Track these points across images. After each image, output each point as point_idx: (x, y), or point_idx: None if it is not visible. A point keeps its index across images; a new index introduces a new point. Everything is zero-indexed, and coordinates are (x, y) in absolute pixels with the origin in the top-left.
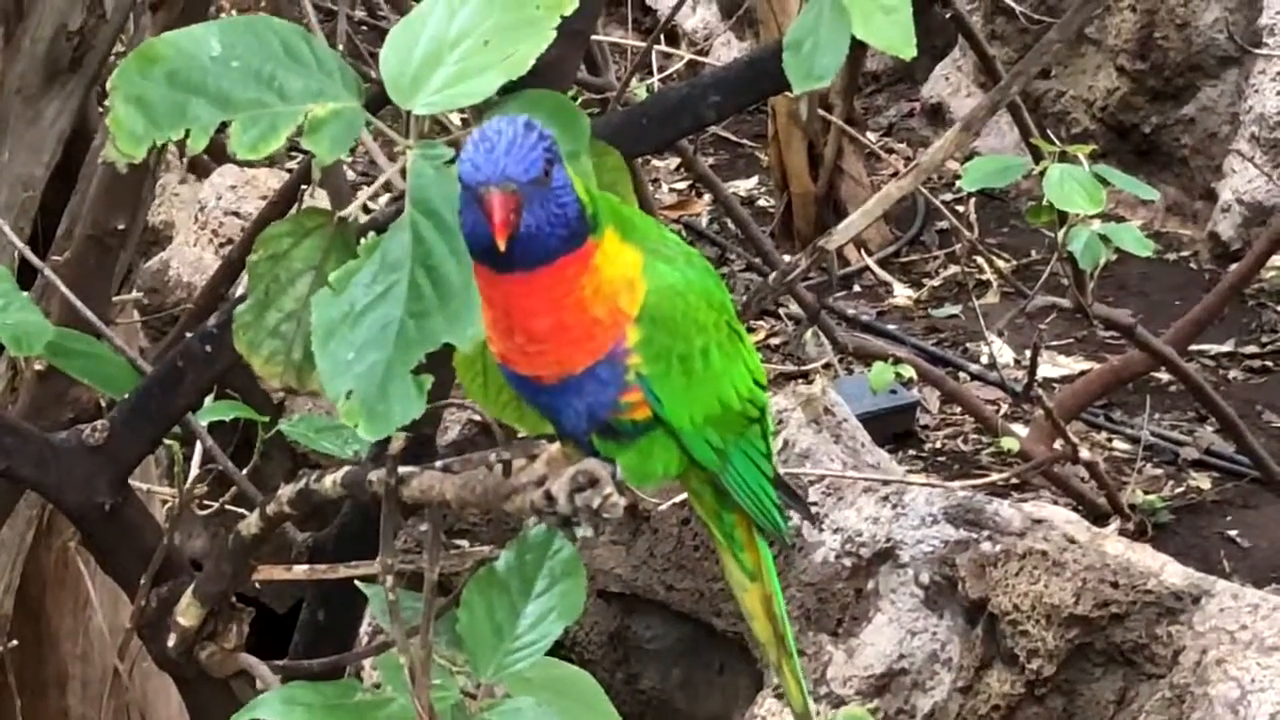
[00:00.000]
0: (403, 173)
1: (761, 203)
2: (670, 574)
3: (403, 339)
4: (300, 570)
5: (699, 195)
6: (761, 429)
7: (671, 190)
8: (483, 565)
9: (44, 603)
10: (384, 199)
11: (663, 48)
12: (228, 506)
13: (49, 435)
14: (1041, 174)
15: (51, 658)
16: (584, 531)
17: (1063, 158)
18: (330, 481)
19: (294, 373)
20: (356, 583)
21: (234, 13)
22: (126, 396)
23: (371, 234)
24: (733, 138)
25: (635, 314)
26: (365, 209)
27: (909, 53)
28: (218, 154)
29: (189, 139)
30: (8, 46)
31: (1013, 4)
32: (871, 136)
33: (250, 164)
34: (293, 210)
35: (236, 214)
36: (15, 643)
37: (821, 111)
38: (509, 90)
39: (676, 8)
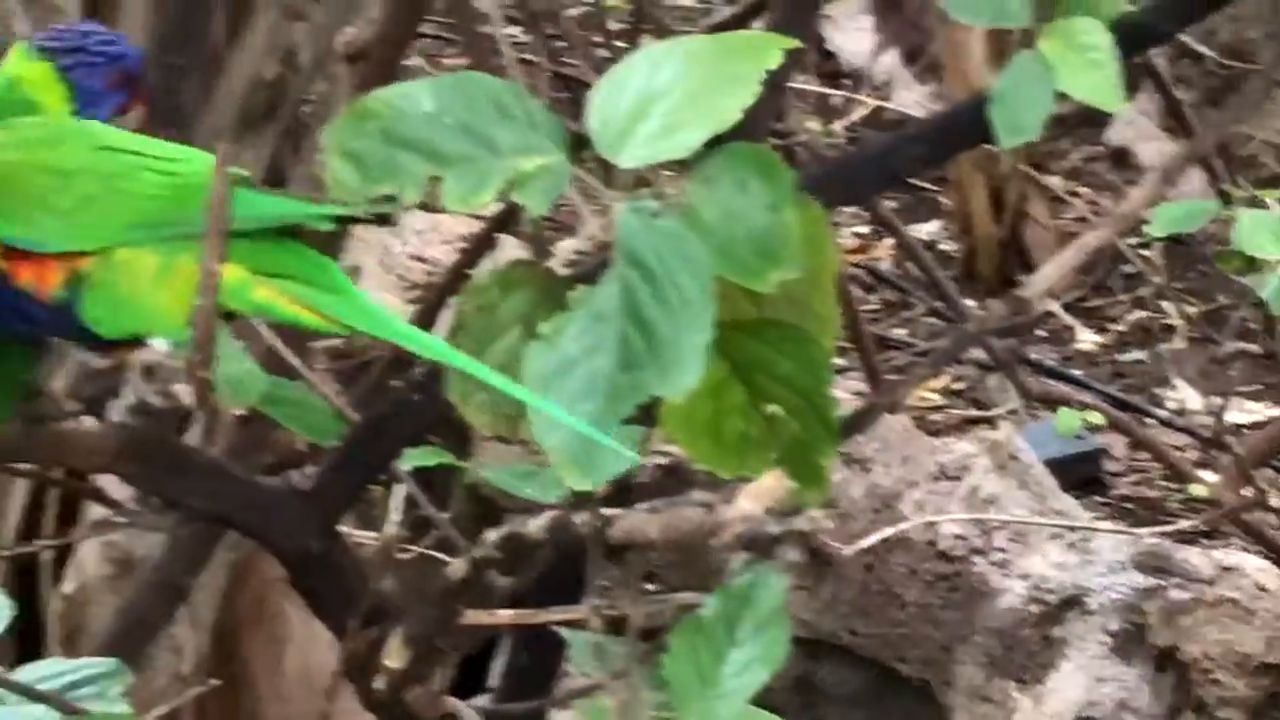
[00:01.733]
0: (606, 225)
1: (943, 247)
2: (854, 619)
3: (613, 390)
4: (506, 615)
5: (880, 239)
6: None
7: (853, 234)
8: (687, 611)
9: (240, 643)
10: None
11: (843, 93)
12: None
13: (260, 481)
14: (1230, 219)
15: (247, 697)
16: (793, 556)
17: (1252, 202)
18: (535, 525)
19: (505, 422)
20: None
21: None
22: (335, 443)
23: (581, 286)
24: (914, 181)
25: None
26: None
27: (1117, 106)
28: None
29: (402, 192)
30: (204, 97)
31: (1199, 49)
32: (1055, 180)
33: (433, 210)
34: (487, 257)
35: (421, 259)
36: (217, 683)
37: (1004, 154)
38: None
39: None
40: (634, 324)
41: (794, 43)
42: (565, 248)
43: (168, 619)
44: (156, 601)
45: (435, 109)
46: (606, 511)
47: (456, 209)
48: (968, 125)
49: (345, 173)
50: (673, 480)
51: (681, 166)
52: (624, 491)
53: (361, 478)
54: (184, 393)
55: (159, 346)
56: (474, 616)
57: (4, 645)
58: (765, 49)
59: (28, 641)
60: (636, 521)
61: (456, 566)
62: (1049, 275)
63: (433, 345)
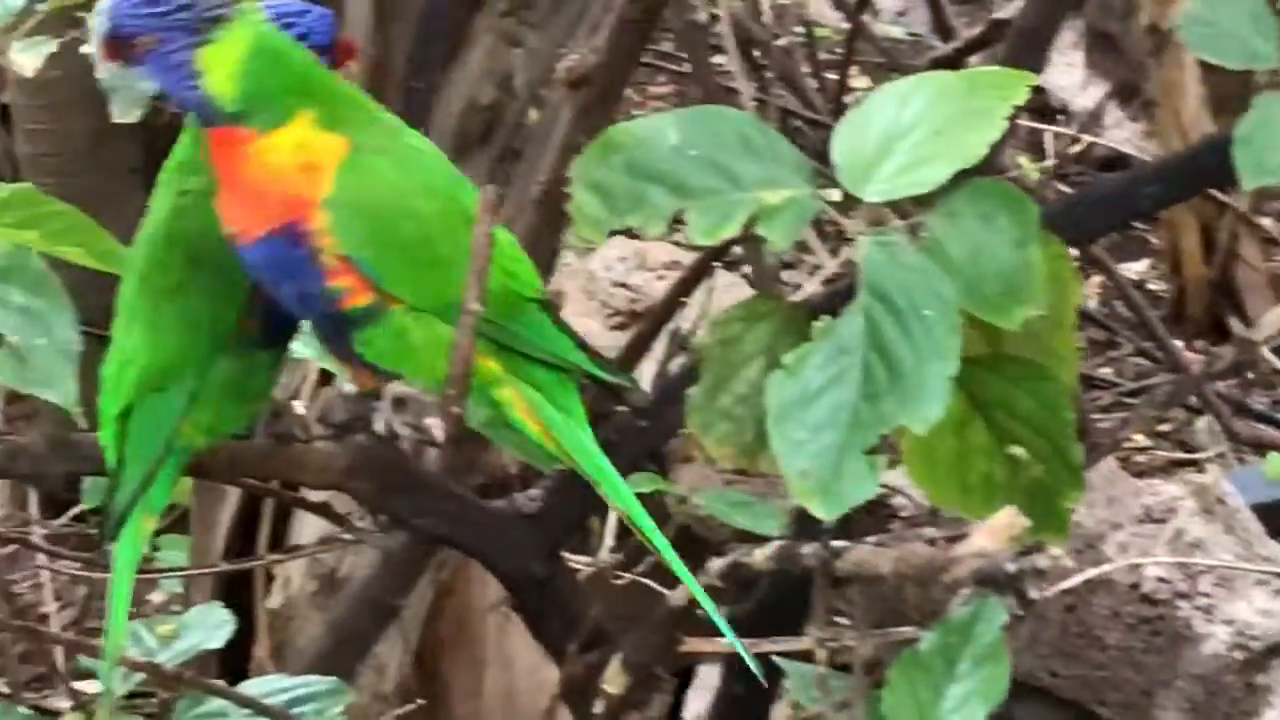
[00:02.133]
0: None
1: (1152, 286)
2: (1054, 660)
3: (856, 421)
4: (725, 643)
5: (1088, 277)
6: (544, 311)
7: None
8: (907, 645)
9: (441, 664)
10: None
11: (1054, 128)
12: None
13: (486, 504)
14: None
15: (444, 718)
16: (1034, 594)
17: None
18: (761, 555)
19: (745, 453)
20: (774, 657)
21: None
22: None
23: (825, 318)
24: None
25: (322, 199)
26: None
27: None
28: None
29: (646, 225)
30: (423, 119)
31: None
32: (1268, 222)
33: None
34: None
35: (625, 285)
36: (420, 703)
37: (1216, 195)
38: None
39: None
40: (878, 355)
41: (1036, 78)
42: (812, 281)
43: (377, 637)
44: (366, 619)
45: (680, 142)
46: (837, 544)
47: (702, 242)
48: (1208, 166)
49: (591, 205)
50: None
51: (917, 202)
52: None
53: (585, 503)
54: (435, 426)
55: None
56: (694, 644)
57: (210, 656)
58: (1010, 85)
59: (233, 653)
60: (865, 554)
61: (678, 594)
62: (1278, 319)
63: (627, 499)
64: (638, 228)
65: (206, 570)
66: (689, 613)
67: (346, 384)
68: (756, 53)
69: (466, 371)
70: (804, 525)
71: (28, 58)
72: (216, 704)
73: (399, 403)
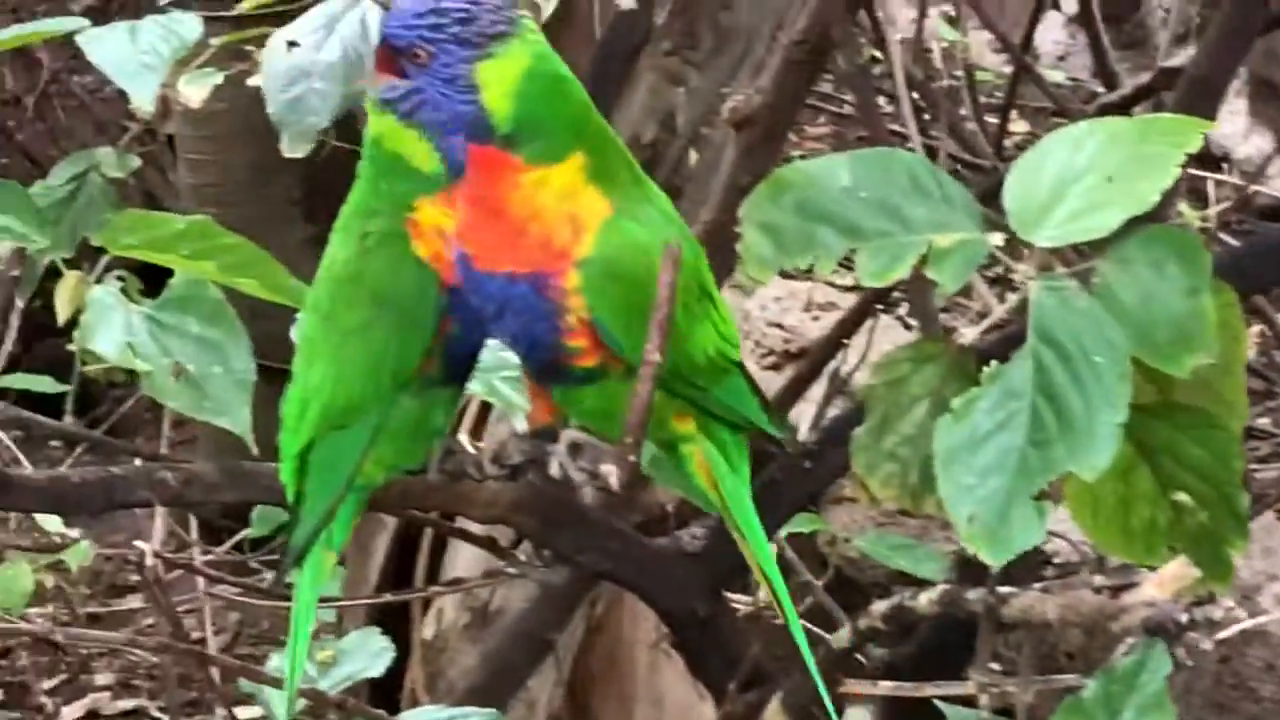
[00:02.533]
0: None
1: None
2: (1207, 712)
3: (1024, 467)
4: (886, 686)
5: (1247, 325)
6: (741, 374)
7: None
8: (1069, 692)
9: (591, 698)
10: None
11: (1216, 176)
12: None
13: (651, 542)
14: None
15: None
16: (1206, 645)
17: None
18: (925, 599)
19: (910, 494)
20: (936, 702)
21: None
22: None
23: (994, 363)
24: None
25: (579, 258)
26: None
27: None
28: None
29: (816, 265)
30: None
31: None
32: None
33: (792, 276)
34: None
35: (780, 325)
36: None
37: None
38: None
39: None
40: (1046, 401)
41: (1212, 125)
42: (980, 325)
43: (530, 671)
44: (521, 652)
45: (852, 183)
46: (1003, 590)
47: (872, 284)
48: None
49: (761, 244)
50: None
51: (1085, 248)
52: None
53: None
54: (611, 472)
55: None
56: (853, 686)
57: (361, 682)
58: (1183, 132)
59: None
60: (1032, 601)
61: (840, 636)
62: None
63: (768, 561)
64: (807, 268)
65: (363, 601)
66: (849, 655)
67: (518, 423)
68: (916, 94)
69: (644, 422)
70: (966, 570)
71: (194, 90)
72: None
73: (575, 447)
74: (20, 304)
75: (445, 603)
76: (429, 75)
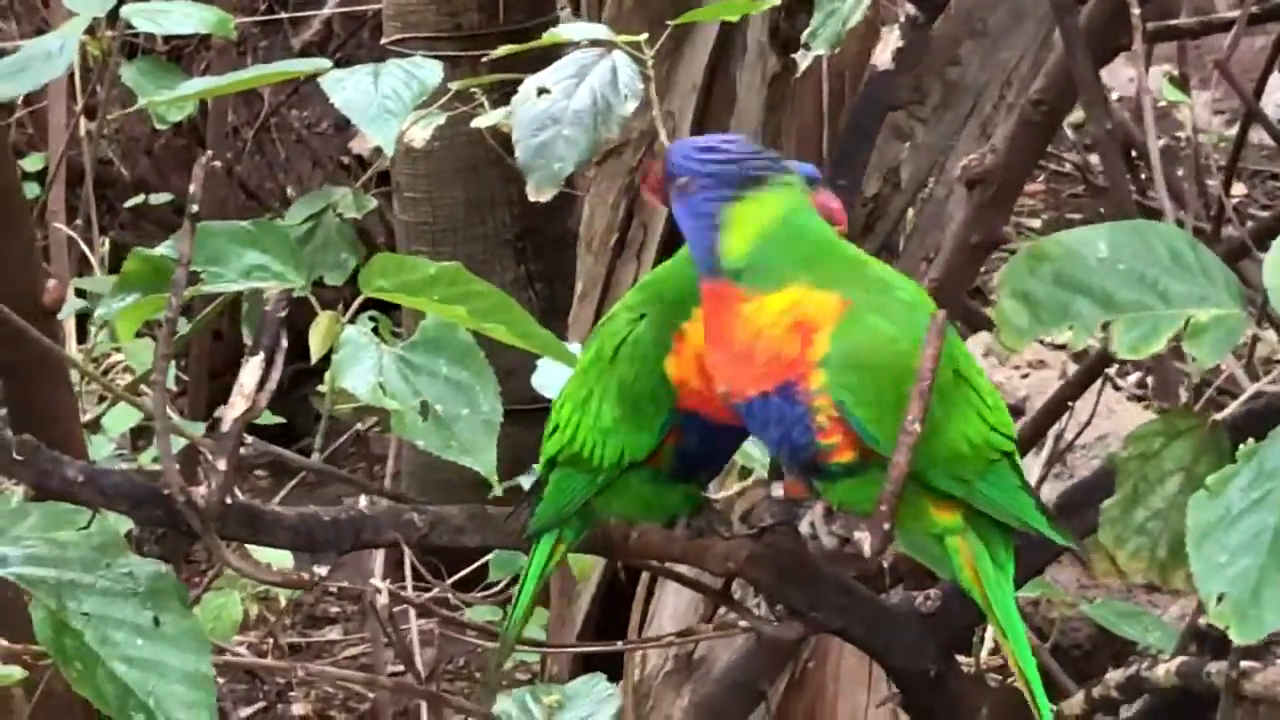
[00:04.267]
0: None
1: None
2: None
3: (1277, 547)
4: None
5: None
6: (1011, 466)
7: None
8: None
9: None
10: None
11: None
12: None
13: (880, 599)
14: None
15: None
16: None
17: None
18: (1164, 671)
19: (1158, 569)
20: None
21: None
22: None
23: (1250, 440)
24: None
25: (819, 357)
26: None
27: None
28: None
29: (1071, 336)
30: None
31: None
32: None
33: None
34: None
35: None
36: None
37: None
38: None
39: None
40: None
41: None
42: (1238, 401)
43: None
44: (734, 703)
45: (1109, 254)
46: (1244, 664)
47: (1127, 356)
48: None
49: (1017, 313)
50: None
51: None
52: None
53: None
54: (864, 540)
55: None
56: None
57: None
58: None
59: None
60: (1278, 677)
61: (1073, 702)
62: None
63: (1027, 659)
64: (1063, 339)
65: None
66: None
67: (775, 488)
68: (1133, 152)
69: (899, 492)
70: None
71: (419, 130)
72: None
73: (829, 512)
74: (285, 343)
75: (650, 650)
76: (685, 206)
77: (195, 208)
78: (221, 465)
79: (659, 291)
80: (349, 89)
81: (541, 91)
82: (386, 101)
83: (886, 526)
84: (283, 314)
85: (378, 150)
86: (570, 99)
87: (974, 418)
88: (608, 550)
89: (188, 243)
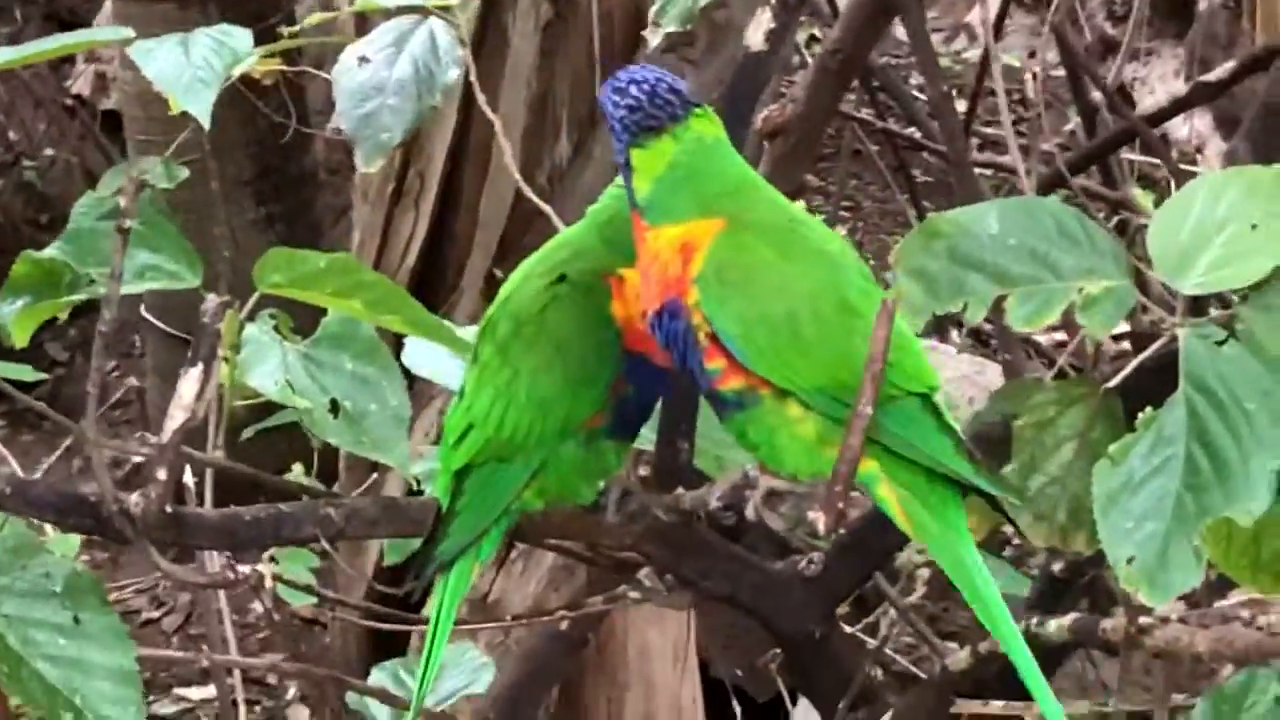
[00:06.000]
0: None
1: None
2: None
3: (1180, 511)
4: (997, 705)
5: None
6: (927, 407)
7: None
8: (1177, 712)
9: (583, 690)
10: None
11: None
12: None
13: (768, 566)
14: None
15: None
16: None
17: None
18: (1057, 626)
19: (1058, 533)
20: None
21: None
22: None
23: (1149, 409)
24: None
25: (695, 275)
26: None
27: None
28: None
29: (966, 311)
30: (579, 154)
31: None
32: None
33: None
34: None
35: None
36: None
37: None
38: None
39: None
40: (1201, 447)
41: None
42: (1127, 367)
43: (566, 667)
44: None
45: (1000, 231)
46: (1145, 620)
47: (1021, 329)
48: None
49: (913, 291)
50: None
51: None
52: None
53: (867, 566)
54: (817, 519)
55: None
56: (964, 706)
57: None
58: None
59: None
60: (1178, 632)
61: (959, 658)
62: None
63: (1009, 630)
64: (959, 313)
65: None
66: (966, 676)
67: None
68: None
69: (853, 472)
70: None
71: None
72: None
73: (772, 494)
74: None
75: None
76: (614, 141)
77: (130, 223)
78: (161, 475)
79: (576, 251)
80: (159, 60)
81: (362, 61)
82: (199, 71)
83: (840, 505)
84: (219, 325)
85: (99, 90)
86: (392, 68)
87: (861, 348)
88: (520, 534)
89: (119, 257)
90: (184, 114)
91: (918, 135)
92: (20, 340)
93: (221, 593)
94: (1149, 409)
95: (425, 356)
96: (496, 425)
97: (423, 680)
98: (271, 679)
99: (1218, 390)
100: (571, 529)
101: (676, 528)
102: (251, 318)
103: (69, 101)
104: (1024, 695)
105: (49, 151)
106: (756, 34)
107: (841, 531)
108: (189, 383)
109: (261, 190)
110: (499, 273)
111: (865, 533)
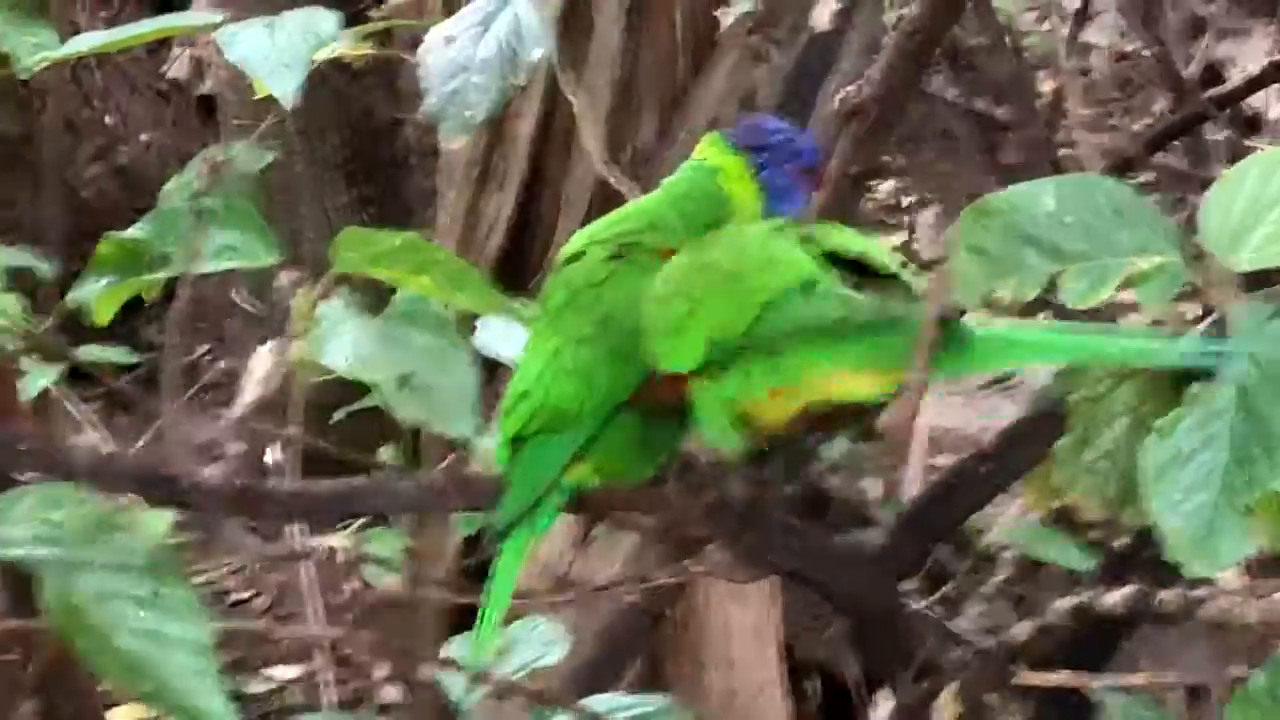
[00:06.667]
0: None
1: None
2: None
3: (1228, 483)
4: (1059, 677)
5: None
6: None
7: None
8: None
9: (665, 664)
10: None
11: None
12: None
13: (833, 541)
14: None
15: None
16: None
17: None
18: (1114, 599)
19: (1109, 506)
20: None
21: None
22: (909, 506)
23: (1195, 383)
24: None
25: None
26: None
27: None
28: None
29: (1022, 288)
30: (662, 136)
31: None
32: None
33: None
34: None
35: None
36: None
37: None
38: None
39: None
40: (1249, 420)
41: None
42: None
43: (642, 645)
44: (632, 628)
45: (1056, 208)
46: (1197, 593)
47: (1076, 306)
48: None
49: (970, 266)
50: None
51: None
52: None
53: (929, 541)
54: (870, 486)
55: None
56: (1026, 676)
57: None
58: None
59: None
60: (1232, 604)
61: (1020, 629)
62: None
63: None
64: (1013, 291)
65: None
66: (1027, 647)
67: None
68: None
69: (908, 439)
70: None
71: None
72: (565, 717)
73: (834, 467)
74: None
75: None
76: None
77: (207, 202)
78: (233, 449)
79: (648, 222)
80: (245, 43)
81: (448, 40)
82: (285, 55)
83: (896, 477)
84: (291, 300)
85: (195, 75)
86: (477, 47)
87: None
88: (582, 507)
89: (200, 238)
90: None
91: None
92: (102, 319)
93: (309, 571)
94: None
95: (497, 336)
96: (544, 394)
97: (477, 649)
98: (361, 658)
99: (1266, 364)
100: (634, 502)
101: (741, 502)
102: (327, 295)
103: (165, 86)
104: (1088, 666)
105: (145, 136)
106: (823, 15)
107: (905, 505)
108: (262, 359)
109: (354, 173)
110: None
111: (928, 507)
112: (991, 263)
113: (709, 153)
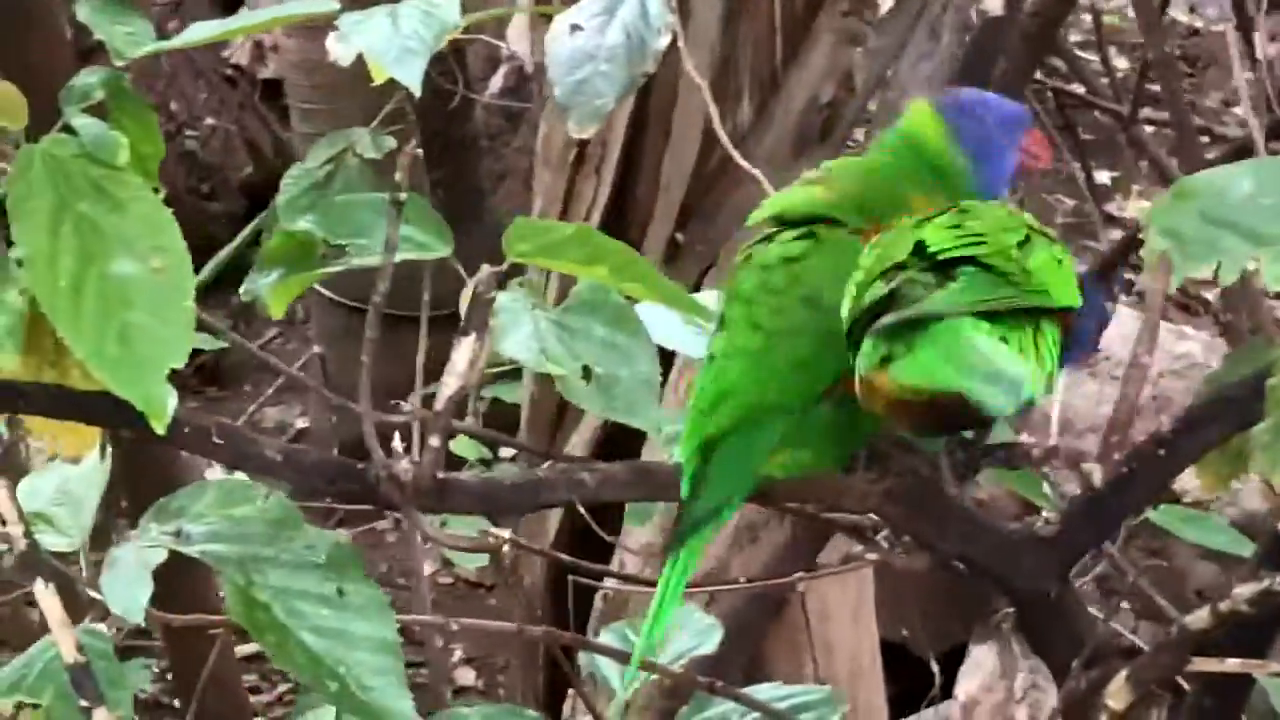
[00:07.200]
0: None
1: None
2: None
3: None
4: (1234, 663)
5: None
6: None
7: None
8: None
9: (762, 648)
10: None
11: None
12: None
13: (1001, 525)
14: None
15: None
16: None
17: None
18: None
19: None
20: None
21: None
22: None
23: None
24: None
25: None
26: None
27: None
28: None
29: (1220, 271)
30: (759, 118)
31: None
32: None
33: None
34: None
35: None
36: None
37: None
38: None
39: None
40: None
41: None
42: None
43: (766, 628)
44: (756, 612)
45: (1254, 191)
46: None
47: (1276, 288)
48: None
49: (1166, 249)
50: None
51: None
52: None
53: (1106, 527)
54: (1093, 470)
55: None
56: (1201, 664)
57: None
58: None
59: None
60: None
61: (1198, 616)
62: None
63: None
64: (1212, 275)
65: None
66: (1206, 636)
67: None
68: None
69: (1128, 424)
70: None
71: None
72: (724, 707)
73: (1051, 451)
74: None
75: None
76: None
77: (403, 196)
78: (434, 442)
79: (856, 203)
80: (369, 31)
81: (574, 28)
82: (408, 42)
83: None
84: (491, 295)
85: (256, 60)
86: (604, 35)
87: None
88: (761, 498)
89: (394, 229)
90: (346, 82)
91: (1085, 93)
92: (277, 312)
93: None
94: None
95: (656, 323)
96: (751, 390)
97: (649, 638)
98: (438, 640)
99: None
100: (813, 491)
101: (918, 487)
102: (501, 286)
103: (229, 71)
104: (1256, 653)
105: (209, 121)
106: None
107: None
108: (463, 351)
109: (426, 155)
110: (680, 237)
111: (1104, 494)
112: (1188, 246)
113: (916, 120)
